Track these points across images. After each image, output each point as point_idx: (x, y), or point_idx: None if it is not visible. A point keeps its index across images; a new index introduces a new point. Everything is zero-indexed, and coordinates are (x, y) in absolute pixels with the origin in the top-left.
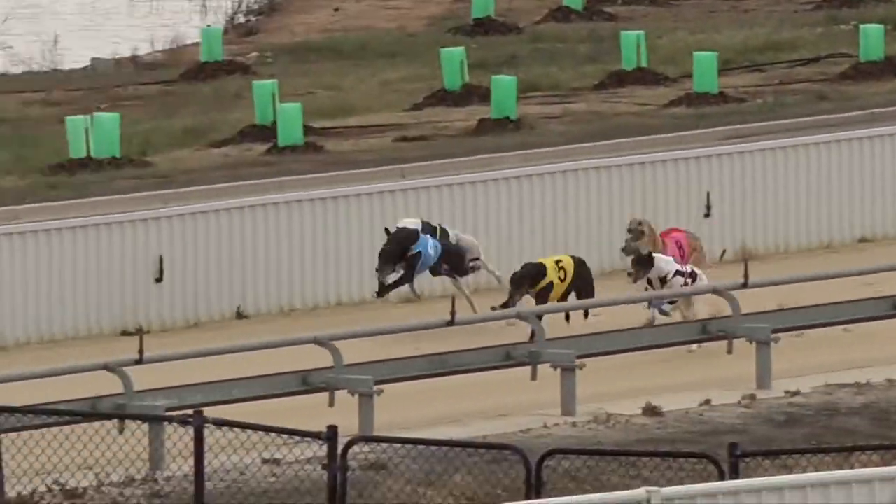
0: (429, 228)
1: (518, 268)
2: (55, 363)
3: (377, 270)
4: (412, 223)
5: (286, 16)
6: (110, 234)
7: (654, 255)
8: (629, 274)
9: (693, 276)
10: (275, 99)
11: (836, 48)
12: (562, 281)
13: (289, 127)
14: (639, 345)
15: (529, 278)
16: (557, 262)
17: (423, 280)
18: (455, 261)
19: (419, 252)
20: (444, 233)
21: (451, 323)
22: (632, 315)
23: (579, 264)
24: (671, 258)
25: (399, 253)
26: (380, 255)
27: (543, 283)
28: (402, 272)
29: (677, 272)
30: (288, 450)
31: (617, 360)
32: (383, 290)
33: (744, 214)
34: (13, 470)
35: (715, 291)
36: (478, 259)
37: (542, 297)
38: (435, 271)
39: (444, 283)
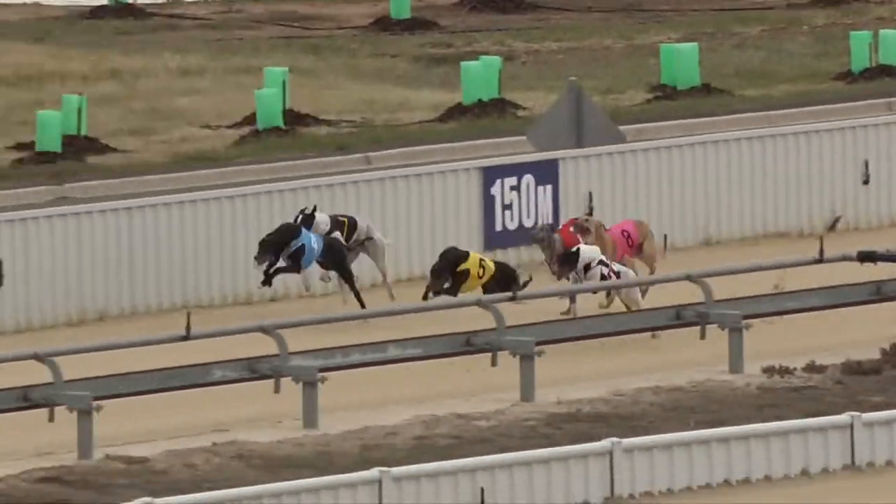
0: (336, 222)
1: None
2: None
3: (255, 259)
4: (324, 218)
5: None
6: None
7: (579, 248)
8: (553, 272)
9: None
10: None
11: None
12: (480, 278)
13: None
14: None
15: (449, 262)
16: (481, 259)
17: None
18: (337, 257)
19: (302, 245)
20: (353, 223)
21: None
22: None
23: (500, 269)
24: (596, 248)
25: (279, 244)
26: (260, 243)
27: (461, 268)
28: (287, 263)
29: (600, 262)
30: None
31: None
32: (266, 278)
33: None
34: None
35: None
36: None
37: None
38: (323, 265)
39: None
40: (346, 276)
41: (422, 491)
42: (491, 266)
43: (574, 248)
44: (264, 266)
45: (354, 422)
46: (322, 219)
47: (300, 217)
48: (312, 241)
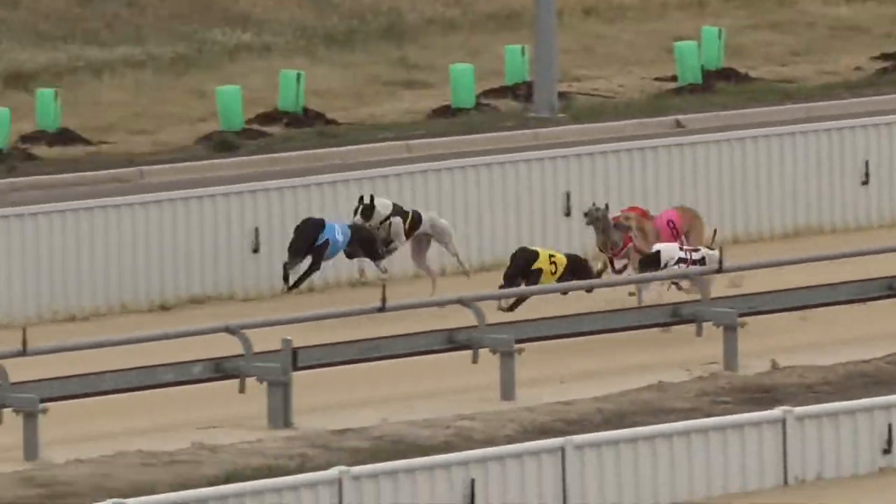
0: (399, 212)
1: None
2: None
3: (285, 264)
4: (386, 203)
5: None
6: None
7: (659, 250)
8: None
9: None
10: None
11: None
12: (553, 274)
13: None
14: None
15: (523, 262)
16: (551, 255)
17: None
18: (367, 245)
19: (327, 240)
20: (417, 217)
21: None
22: None
23: (573, 261)
24: (675, 245)
25: (307, 243)
26: (289, 248)
27: (534, 267)
28: (309, 263)
29: (679, 259)
30: None
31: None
32: (296, 283)
33: None
34: None
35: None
36: (393, 243)
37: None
38: (350, 255)
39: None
40: (375, 259)
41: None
42: (562, 259)
43: (655, 250)
44: (292, 267)
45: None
46: (382, 204)
47: (360, 208)
48: (337, 232)
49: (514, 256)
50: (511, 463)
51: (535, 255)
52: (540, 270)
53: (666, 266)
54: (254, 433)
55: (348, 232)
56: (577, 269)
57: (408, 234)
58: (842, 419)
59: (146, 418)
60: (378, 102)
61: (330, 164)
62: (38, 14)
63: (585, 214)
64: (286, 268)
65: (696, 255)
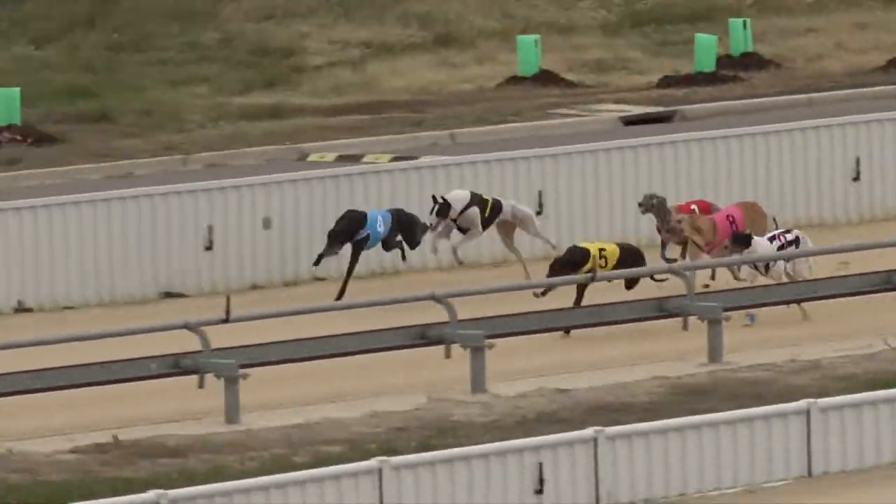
0: (479, 201)
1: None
2: None
3: (321, 254)
4: (462, 194)
5: None
6: None
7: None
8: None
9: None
10: None
11: None
12: (602, 268)
13: None
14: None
15: (572, 264)
16: (601, 249)
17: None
18: (407, 232)
19: (367, 235)
20: (497, 204)
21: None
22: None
23: (625, 251)
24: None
25: (348, 234)
26: (329, 234)
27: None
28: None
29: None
30: None
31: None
32: (342, 286)
33: None
34: None
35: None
36: (471, 231)
37: (580, 287)
38: (388, 244)
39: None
40: (411, 245)
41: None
42: (614, 250)
43: (748, 232)
44: (329, 255)
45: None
46: (459, 196)
47: (436, 207)
48: (378, 224)
49: (564, 256)
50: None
51: (585, 256)
52: (592, 270)
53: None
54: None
55: (389, 219)
56: (629, 257)
57: (489, 220)
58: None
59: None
60: None
61: None
62: None
63: (640, 204)
64: (321, 256)
65: (789, 237)
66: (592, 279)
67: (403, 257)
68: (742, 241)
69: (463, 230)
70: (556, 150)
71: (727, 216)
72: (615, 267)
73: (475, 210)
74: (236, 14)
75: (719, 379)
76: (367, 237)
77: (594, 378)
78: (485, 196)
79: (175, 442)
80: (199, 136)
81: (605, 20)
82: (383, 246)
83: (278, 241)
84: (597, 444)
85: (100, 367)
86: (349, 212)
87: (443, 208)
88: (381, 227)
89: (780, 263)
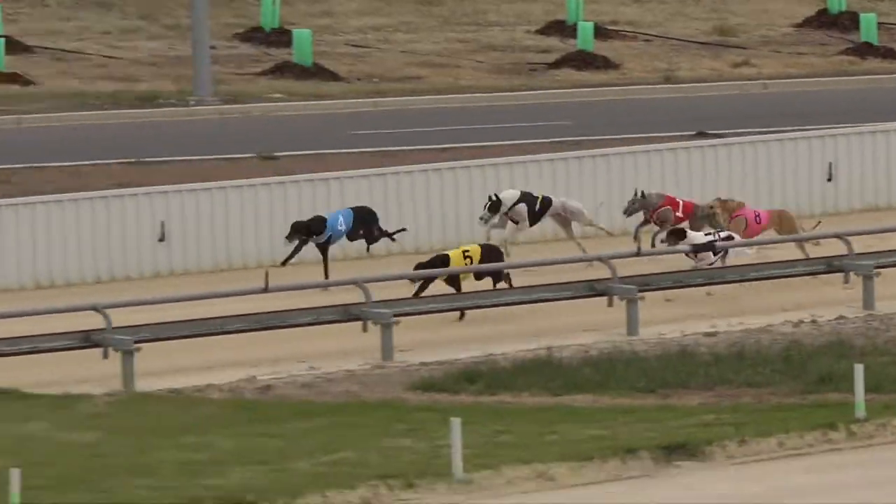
0: (530, 198)
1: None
2: None
3: (286, 238)
4: (513, 193)
5: None
6: None
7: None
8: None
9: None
10: None
11: None
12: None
13: None
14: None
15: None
16: (465, 250)
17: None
18: (366, 229)
19: (330, 236)
20: (547, 200)
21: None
22: None
23: (486, 249)
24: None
25: (306, 228)
26: (292, 225)
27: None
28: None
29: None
30: None
31: None
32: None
33: None
34: None
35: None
36: (519, 224)
37: (452, 282)
38: (351, 237)
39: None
40: (368, 241)
41: None
42: (476, 249)
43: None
44: (292, 247)
45: None
46: (509, 194)
47: (489, 203)
48: (339, 222)
49: (428, 261)
50: None
51: (446, 261)
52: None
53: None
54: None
55: (350, 216)
56: (490, 255)
57: (540, 214)
58: None
59: None
60: None
61: None
62: None
63: (624, 212)
64: (287, 240)
65: (723, 234)
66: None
67: (368, 248)
68: (677, 234)
69: (515, 222)
70: None
71: (755, 213)
72: (480, 262)
73: (523, 206)
74: None
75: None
76: (330, 237)
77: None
78: (535, 194)
79: None
80: None
81: None
82: (348, 238)
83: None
84: None
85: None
86: (317, 216)
87: (494, 205)
88: (343, 226)
89: (710, 255)
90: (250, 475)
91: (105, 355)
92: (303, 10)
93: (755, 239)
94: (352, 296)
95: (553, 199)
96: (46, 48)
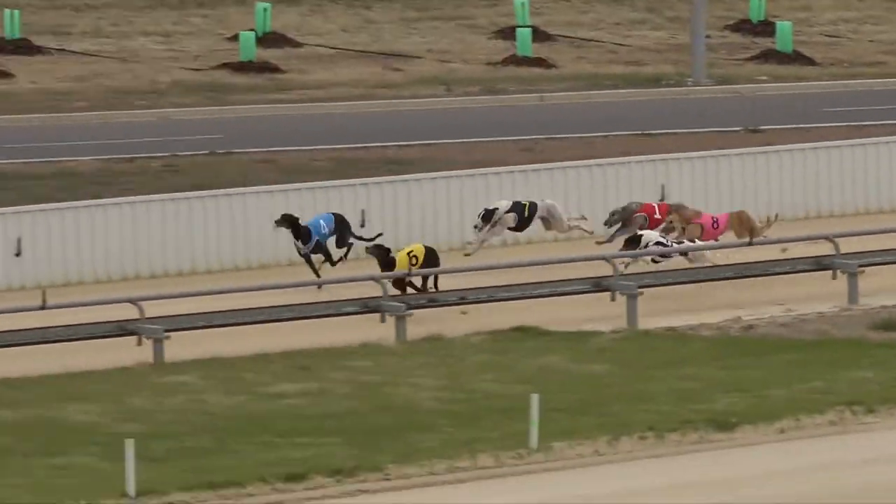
0: (519, 206)
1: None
2: None
3: (275, 222)
4: (505, 203)
5: None
6: None
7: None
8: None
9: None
10: None
11: None
12: (415, 265)
13: None
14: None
15: (387, 265)
16: (410, 251)
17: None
18: (340, 234)
19: (316, 241)
20: (533, 206)
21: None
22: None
23: (428, 251)
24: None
25: (293, 224)
26: (282, 215)
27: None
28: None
29: (657, 242)
30: None
31: None
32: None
33: None
34: None
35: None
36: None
37: (398, 283)
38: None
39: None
40: (339, 244)
41: None
42: (420, 249)
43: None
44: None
45: None
46: (502, 205)
47: (483, 213)
48: (322, 227)
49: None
50: None
51: (394, 261)
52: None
53: (647, 246)
54: None
55: (331, 220)
56: (431, 257)
57: (529, 219)
58: None
59: None
60: None
61: None
62: None
63: (606, 223)
64: (275, 225)
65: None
66: (409, 274)
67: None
68: (634, 240)
69: (511, 229)
70: None
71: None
72: (422, 266)
73: (512, 215)
74: None
75: None
76: (317, 242)
77: None
78: (523, 201)
79: None
80: None
81: None
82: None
83: None
84: None
85: None
86: (303, 226)
87: (487, 214)
88: (325, 230)
89: (704, 254)
90: (734, 401)
91: (613, 298)
92: (785, 5)
93: (758, 239)
94: (823, 249)
95: (538, 202)
96: (566, 37)
